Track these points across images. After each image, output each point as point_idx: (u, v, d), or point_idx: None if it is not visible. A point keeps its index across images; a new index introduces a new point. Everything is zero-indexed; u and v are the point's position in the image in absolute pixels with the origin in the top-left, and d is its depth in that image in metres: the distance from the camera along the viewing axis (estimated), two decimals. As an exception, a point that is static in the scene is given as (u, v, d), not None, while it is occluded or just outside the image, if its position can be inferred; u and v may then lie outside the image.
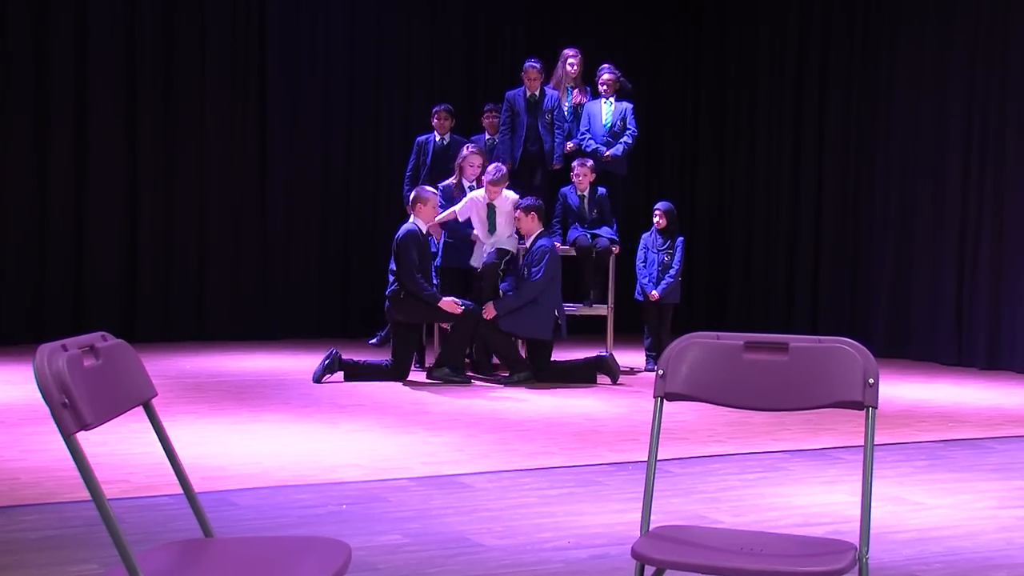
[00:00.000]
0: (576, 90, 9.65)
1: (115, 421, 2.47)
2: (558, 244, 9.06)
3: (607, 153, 9.42)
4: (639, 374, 9.13)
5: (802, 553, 2.57)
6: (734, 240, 12.21)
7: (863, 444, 2.65)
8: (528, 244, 8.55)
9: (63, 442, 2.20)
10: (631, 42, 12.32)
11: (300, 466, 5.50)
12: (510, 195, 8.68)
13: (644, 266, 9.35)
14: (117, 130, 10.40)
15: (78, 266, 10.30)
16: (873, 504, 2.66)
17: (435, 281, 8.60)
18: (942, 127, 10.24)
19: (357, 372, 8.29)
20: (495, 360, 8.79)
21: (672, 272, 9.25)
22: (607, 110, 9.53)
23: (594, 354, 8.69)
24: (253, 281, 11.01)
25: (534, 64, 9.38)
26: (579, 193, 9.31)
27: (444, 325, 8.76)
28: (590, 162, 9.26)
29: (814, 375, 2.71)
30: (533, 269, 8.42)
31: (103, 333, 2.51)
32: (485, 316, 8.30)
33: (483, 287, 8.58)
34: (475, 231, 8.71)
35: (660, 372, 2.78)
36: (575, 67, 9.58)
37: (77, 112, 10.24)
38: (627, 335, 10.29)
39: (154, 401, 2.64)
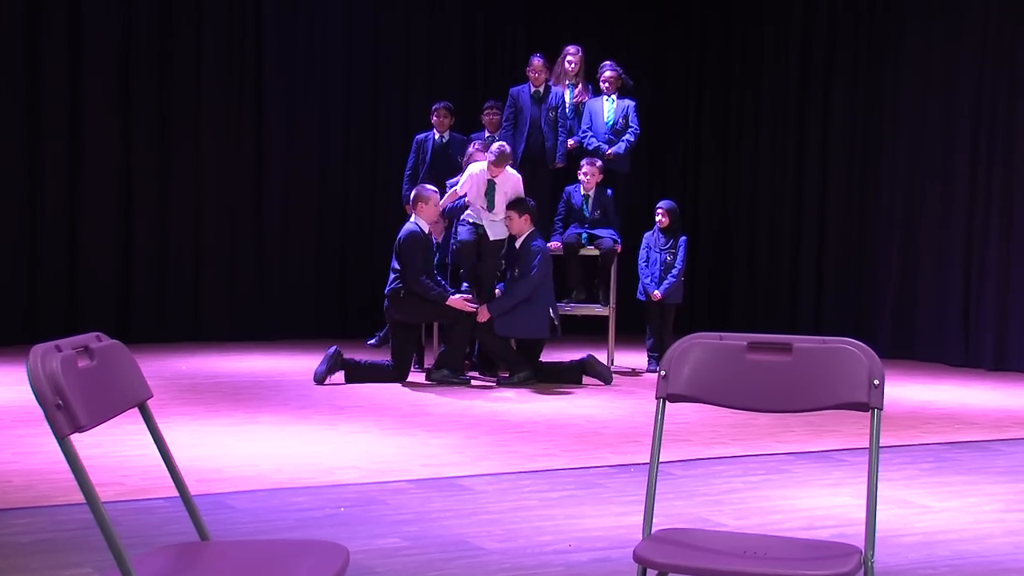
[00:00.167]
0: (577, 88, 9.63)
1: (110, 423, 2.45)
2: (554, 243, 9.05)
3: (609, 151, 9.40)
4: (641, 375, 9.11)
5: (806, 556, 2.56)
6: (737, 240, 12.19)
7: (868, 446, 2.64)
8: (519, 244, 8.52)
9: (57, 444, 2.19)
10: (634, 40, 12.29)
11: (297, 468, 5.46)
12: (513, 173, 8.59)
13: (646, 266, 9.32)
14: (112, 129, 10.36)
15: (72, 266, 10.27)
16: (879, 507, 2.65)
17: (439, 278, 8.55)
18: (950, 127, 10.21)
19: (358, 372, 8.26)
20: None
21: (675, 272, 9.22)
22: (609, 107, 9.51)
23: (581, 356, 8.63)
24: (250, 281, 10.98)
25: (539, 58, 9.37)
26: (584, 193, 9.29)
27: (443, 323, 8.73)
28: (599, 162, 9.25)
29: (818, 376, 2.70)
30: (525, 269, 8.40)
31: (98, 333, 2.50)
32: (479, 319, 8.28)
33: (460, 270, 8.52)
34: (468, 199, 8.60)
35: (662, 373, 2.76)
36: (574, 64, 9.56)
37: (71, 111, 10.20)
38: (629, 335, 10.26)
39: (149, 402, 2.62)
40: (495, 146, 8.55)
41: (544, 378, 8.44)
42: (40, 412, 2.20)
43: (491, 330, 8.33)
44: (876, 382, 2.63)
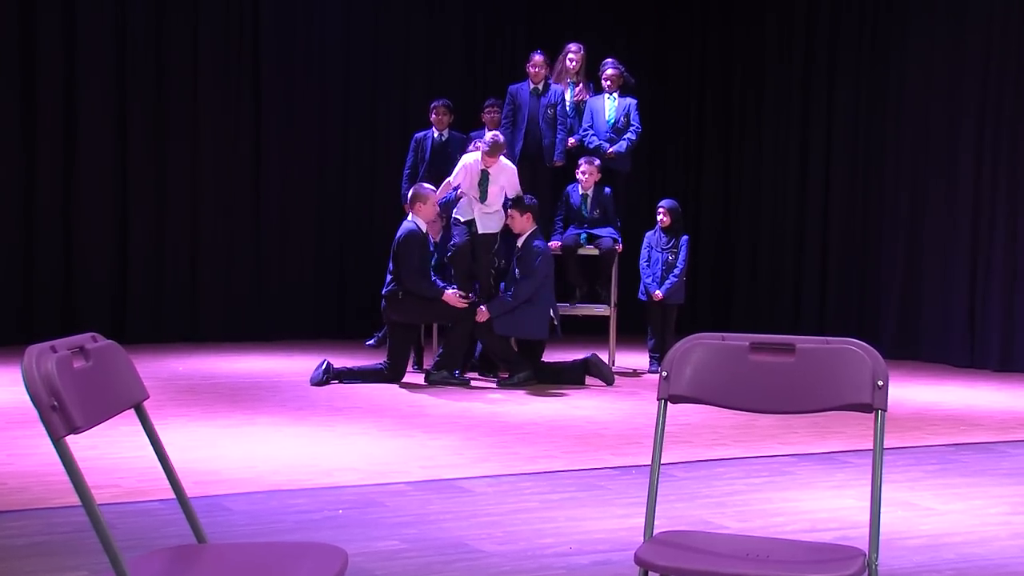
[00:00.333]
0: (578, 86, 9.61)
1: (105, 424, 2.44)
2: (554, 243, 9.02)
3: (610, 149, 9.38)
4: (643, 376, 9.08)
5: (809, 559, 2.55)
6: (740, 239, 12.17)
7: (872, 448, 2.63)
8: (520, 243, 8.50)
9: (52, 446, 2.18)
10: (635, 40, 12.27)
11: (295, 470, 5.44)
12: (508, 165, 8.56)
13: (648, 265, 9.30)
14: (108, 129, 10.33)
15: (68, 266, 10.24)
16: (883, 509, 2.64)
17: (434, 278, 8.52)
18: (954, 126, 10.18)
19: (351, 376, 8.24)
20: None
21: (676, 272, 9.19)
22: (610, 106, 9.49)
23: (584, 355, 8.62)
24: (247, 281, 10.94)
25: (540, 54, 9.35)
26: (582, 192, 9.27)
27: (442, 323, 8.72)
28: (598, 161, 9.22)
29: (821, 377, 2.69)
30: (527, 269, 8.38)
31: (93, 334, 2.49)
32: (478, 319, 8.25)
33: (455, 274, 8.50)
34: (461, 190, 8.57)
35: (664, 374, 2.75)
36: (575, 62, 9.54)
37: (67, 112, 10.17)
38: (630, 336, 10.24)
39: (146, 403, 2.61)
40: (489, 135, 8.52)
41: (545, 378, 8.42)
42: (35, 413, 2.19)
43: (491, 330, 8.31)
44: (880, 383, 2.62)
